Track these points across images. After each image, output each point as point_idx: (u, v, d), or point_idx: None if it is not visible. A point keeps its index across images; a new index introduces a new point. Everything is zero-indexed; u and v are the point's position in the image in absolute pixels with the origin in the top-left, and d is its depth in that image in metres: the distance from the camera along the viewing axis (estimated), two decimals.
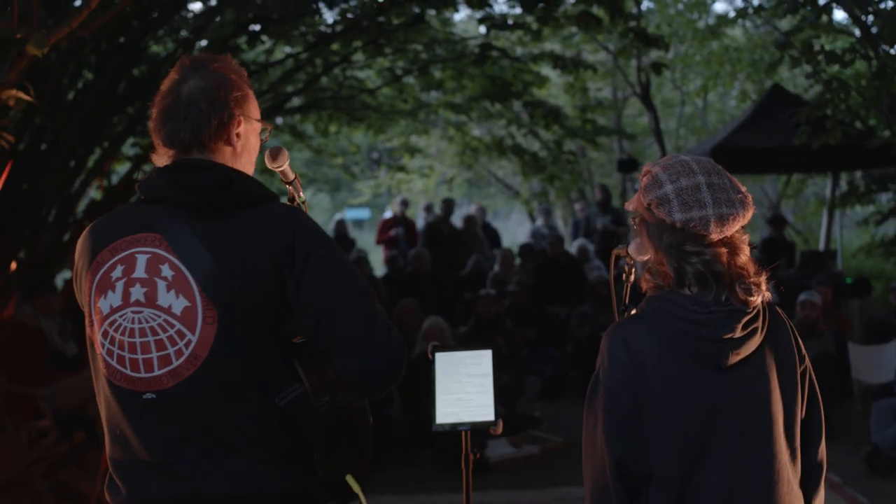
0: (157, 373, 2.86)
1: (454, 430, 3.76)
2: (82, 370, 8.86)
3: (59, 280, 12.88)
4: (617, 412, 2.95)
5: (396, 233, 18.94)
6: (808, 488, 3.13)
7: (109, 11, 5.87)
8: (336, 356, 2.92)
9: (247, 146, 3.10)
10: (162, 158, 3.05)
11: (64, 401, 8.60)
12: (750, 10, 16.29)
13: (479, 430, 3.82)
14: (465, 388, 3.76)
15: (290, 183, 3.38)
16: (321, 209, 43.32)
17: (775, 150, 15.79)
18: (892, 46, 10.80)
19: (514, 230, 42.73)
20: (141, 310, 2.88)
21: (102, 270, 2.95)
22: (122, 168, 14.52)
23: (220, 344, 2.85)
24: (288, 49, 15.70)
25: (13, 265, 9.96)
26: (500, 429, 3.72)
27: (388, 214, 21.32)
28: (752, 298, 2.92)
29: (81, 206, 12.73)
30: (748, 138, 16.46)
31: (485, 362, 3.81)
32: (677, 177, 2.95)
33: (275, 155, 3.30)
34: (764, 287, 2.98)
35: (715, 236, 2.92)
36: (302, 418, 2.93)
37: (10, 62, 5.46)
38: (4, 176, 6.52)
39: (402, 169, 26.23)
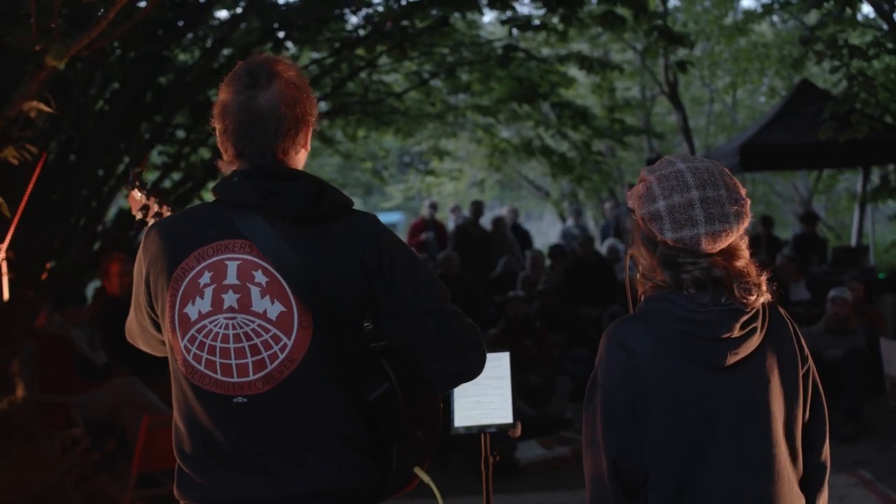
0: (251, 378, 2.92)
1: (471, 432, 3.76)
2: (112, 379, 8.90)
3: (89, 289, 12.94)
4: (614, 412, 2.94)
5: (427, 236, 18.93)
6: (812, 490, 3.09)
7: (129, 21, 5.88)
8: (427, 357, 3.07)
9: (306, 150, 3.17)
10: (233, 165, 3.08)
11: (94, 410, 8.64)
12: (776, 6, 16.22)
13: (502, 433, 3.82)
14: (483, 391, 3.76)
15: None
16: None
17: (805, 145, 15.72)
18: None
19: (547, 231, 42.64)
20: (234, 316, 2.92)
21: (189, 277, 2.98)
22: (150, 177, 14.59)
23: (315, 347, 2.92)
24: (314, 55, 15.73)
25: (44, 275, 10.04)
26: (518, 431, 3.71)
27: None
28: (751, 298, 2.90)
29: (110, 215, 12.81)
30: (778, 135, 16.40)
31: (503, 365, 3.81)
32: (670, 192, 2.92)
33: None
34: (764, 287, 2.96)
35: (708, 251, 2.91)
36: (387, 414, 3.00)
37: (31, 74, 5.49)
38: (30, 186, 6.55)
39: (431, 172, 26.26)
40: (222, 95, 3.06)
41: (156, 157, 14.49)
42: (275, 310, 2.91)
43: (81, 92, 9.56)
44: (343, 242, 2.98)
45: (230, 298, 2.93)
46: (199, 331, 2.95)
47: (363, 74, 16.30)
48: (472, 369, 3.16)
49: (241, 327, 2.92)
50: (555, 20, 13.45)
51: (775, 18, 23.47)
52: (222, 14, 13.26)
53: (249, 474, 2.94)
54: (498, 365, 3.80)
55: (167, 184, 13.29)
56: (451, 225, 21.38)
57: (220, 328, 2.93)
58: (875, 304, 13.90)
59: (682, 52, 19.71)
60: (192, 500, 3.02)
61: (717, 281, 2.90)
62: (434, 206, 19.85)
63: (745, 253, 2.97)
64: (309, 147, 3.15)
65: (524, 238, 19.46)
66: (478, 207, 18.78)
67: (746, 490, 2.91)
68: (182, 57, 13.82)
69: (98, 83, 11.35)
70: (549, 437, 10.31)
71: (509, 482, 9.24)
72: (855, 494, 8.38)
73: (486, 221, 19.48)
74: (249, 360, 2.91)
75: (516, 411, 3.76)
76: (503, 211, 22.25)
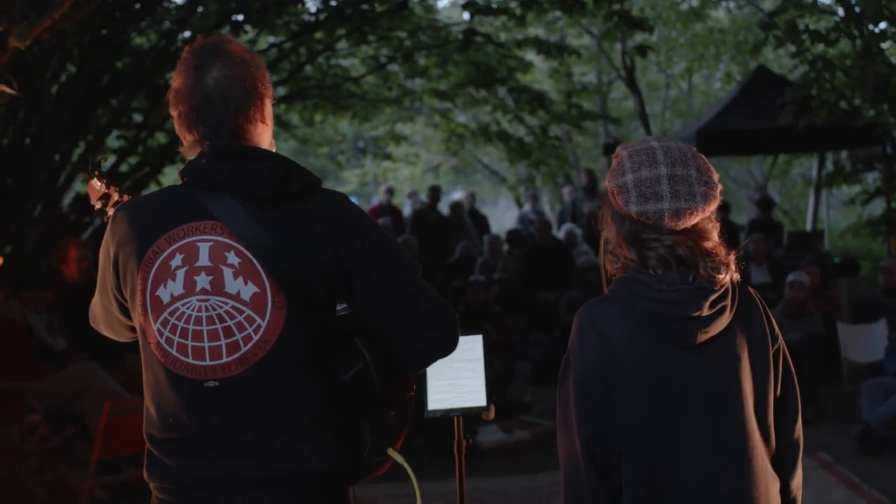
0: (224, 360, 2.88)
1: (446, 416, 3.75)
2: (71, 365, 8.83)
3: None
4: (586, 393, 2.94)
5: (383, 222, 18.92)
6: (786, 467, 3.10)
7: (91, 2, 5.82)
8: (399, 334, 3.04)
9: (267, 125, 3.12)
10: (195, 148, 3.04)
11: (53, 396, 8.56)
12: None
13: (470, 417, 3.81)
14: (456, 374, 3.75)
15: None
16: None
17: (761, 131, 15.83)
18: (876, 25, 10.80)
19: (502, 216, 42.69)
20: (207, 298, 2.89)
21: (160, 259, 2.94)
22: (107, 161, 14.46)
23: (289, 328, 2.89)
24: (272, 39, 15.65)
25: (0, 260, 9.92)
26: (492, 414, 3.72)
27: (374, 202, 21.29)
28: (719, 276, 2.90)
29: (67, 199, 12.70)
30: (733, 120, 16.48)
31: (476, 348, 3.80)
32: (639, 166, 2.93)
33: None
34: (732, 266, 2.97)
35: (671, 227, 2.92)
36: (360, 392, 2.98)
37: None
38: None
39: (387, 157, 26.22)
40: (174, 82, 3.04)
41: (113, 141, 14.37)
42: (248, 291, 2.89)
43: (40, 73, 9.44)
44: (313, 222, 2.95)
45: (203, 280, 2.90)
46: (171, 314, 2.92)
47: (321, 59, 16.24)
48: (446, 346, 3.14)
49: (215, 309, 2.89)
50: (514, 4, 13.45)
51: (731, 4, 23.58)
52: None
53: (220, 456, 2.91)
54: (471, 348, 3.79)
55: (124, 168, 13.19)
56: (407, 210, 21.38)
57: (192, 310, 2.90)
58: (830, 288, 14.02)
59: (639, 38, 19.76)
60: (161, 482, 2.98)
61: (681, 260, 2.91)
62: (390, 192, 19.83)
63: (714, 235, 2.98)
64: (270, 122, 3.12)
65: (481, 223, 19.47)
66: (435, 192, 18.79)
67: (721, 469, 2.91)
68: (139, 41, 13.71)
69: (54, 67, 11.23)
70: (509, 422, 10.32)
71: (471, 467, 9.20)
72: (815, 476, 8.43)
73: (442, 207, 19.46)
74: (223, 342, 2.88)
75: (490, 394, 3.75)
76: (458, 196, 22.26)
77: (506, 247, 16.93)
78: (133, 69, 12.00)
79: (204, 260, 2.91)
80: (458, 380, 3.75)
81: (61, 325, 9.27)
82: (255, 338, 2.88)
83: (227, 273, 2.90)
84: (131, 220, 3.02)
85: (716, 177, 2.98)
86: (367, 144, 36.35)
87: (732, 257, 2.97)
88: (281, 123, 19.90)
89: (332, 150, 27.52)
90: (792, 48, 10.13)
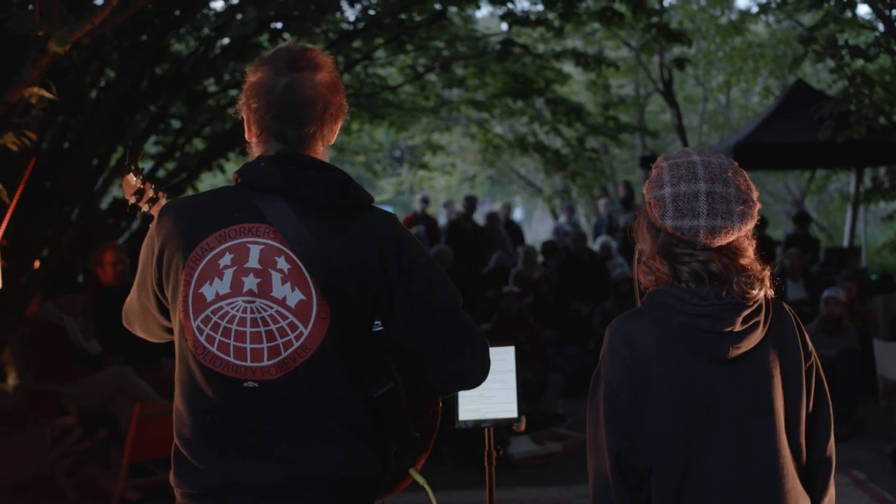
0: (265, 363, 2.91)
1: (477, 426, 3.75)
2: (105, 368, 8.87)
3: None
4: (616, 406, 2.94)
5: (418, 231, 18.93)
6: (817, 485, 3.08)
7: (131, 8, 5.85)
8: (434, 357, 3.06)
9: (332, 139, 3.16)
10: (261, 147, 3.08)
11: (87, 399, 8.61)
12: (773, 5, 16.21)
13: (501, 428, 3.80)
14: (487, 385, 3.74)
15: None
16: None
17: (799, 145, 15.77)
18: None
19: (537, 228, 42.67)
20: (253, 300, 2.92)
21: (209, 257, 2.96)
22: (144, 165, 14.52)
23: (330, 339, 2.92)
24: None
25: (37, 263, 9.99)
26: (522, 425, 3.70)
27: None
28: (752, 292, 2.89)
29: (104, 204, 12.77)
30: (771, 134, 16.42)
31: (507, 359, 3.79)
32: (678, 181, 2.93)
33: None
34: (767, 282, 2.96)
35: (706, 244, 2.90)
36: (391, 412, 3.00)
37: (33, 59, 5.46)
38: (27, 174, 6.52)
39: (424, 166, 26.23)
40: (259, 75, 3.05)
41: (150, 146, 14.45)
42: (294, 297, 2.91)
43: (77, 80, 9.50)
44: (363, 237, 2.98)
45: (250, 282, 2.93)
46: (214, 312, 2.94)
47: (358, 67, 16.26)
48: (478, 372, 3.15)
49: (259, 312, 2.91)
50: (552, 16, 13.43)
51: (771, 18, 23.48)
52: (218, 4, 13.21)
53: (253, 459, 2.92)
54: (503, 359, 3.79)
55: (161, 174, 13.25)
56: (442, 219, 21.37)
57: (237, 311, 2.93)
58: (867, 304, 13.93)
59: (678, 50, 19.70)
60: (190, 488, 2.98)
61: (714, 275, 2.90)
62: (425, 201, 19.83)
63: (750, 252, 2.97)
64: (330, 143, 3.15)
65: (516, 234, 19.46)
66: (471, 202, 18.79)
67: (750, 485, 2.90)
68: (177, 47, 13.77)
69: (93, 72, 11.30)
70: (541, 433, 10.30)
71: (502, 477, 9.23)
72: (848, 494, 8.37)
73: (478, 217, 19.45)
74: (265, 345, 2.90)
75: (521, 405, 3.75)
76: (494, 206, 22.24)
77: (540, 258, 16.90)
78: (171, 75, 12.05)
79: (254, 262, 2.94)
80: (489, 391, 3.75)
81: (97, 328, 9.31)
82: (296, 344, 2.90)
83: (276, 277, 2.93)
84: (180, 217, 3.04)
85: (755, 195, 2.96)
86: (404, 154, 36.39)
87: (767, 273, 2.95)
88: None
89: (368, 158, 27.54)
90: (831, 63, 10.07)
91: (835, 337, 11.05)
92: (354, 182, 3.06)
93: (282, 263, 2.93)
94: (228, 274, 2.94)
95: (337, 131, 3.13)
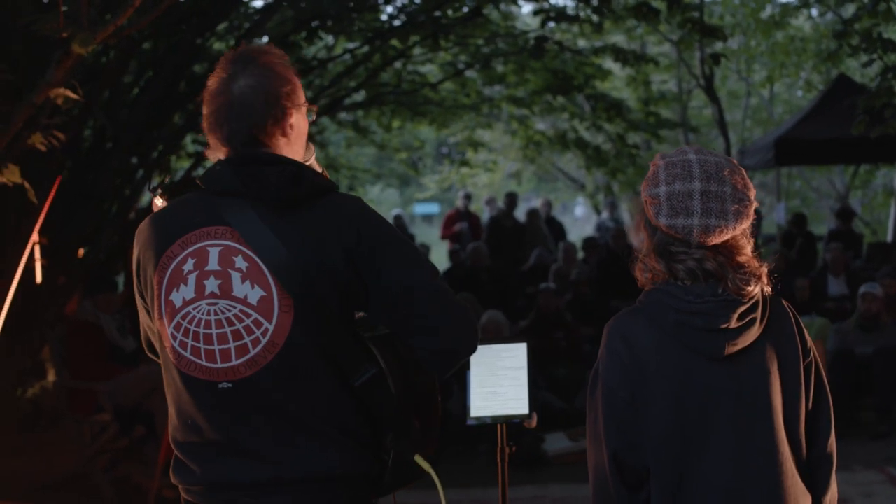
0: (234, 363, 2.94)
1: (488, 423, 3.77)
2: (141, 366, 8.95)
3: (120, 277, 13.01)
4: (614, 405, 2.95)
5: (461, 227, 18.96)
6: (818, 482, 3.07)
7: (157, 8, 5.89)
8: (415, 335, 3.04)
9: (299, 133, 3.17)
10: (219, 153, 3.12)
11: (123, 396, 8.69)
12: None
13: (538, 424, 3.83)
14: (499, 382, 3.76)
15: None
16: (390, 204, 43.31)
17: (841, 140, 15.63)
18: None
19: (583, 224, 42.61)
20: (216, 301, 2.96)
21: (174, 265, 3.02)
22: (183, 164, 14.66)
23: (297, 331, 2.93)
24: (349, 45, 15.73)
25: (80, 252, 10.08)
26: (534, 422, 3.71)
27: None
28: (747, 289, 2.90)
29: (143, 202, 12.87)
30: (814, 129, 16.33)
31: (520, 356, 3.80)
32: (673, 179, 2.94)
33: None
34: (765, 279, 2.96)
35: (701, 243, 2.90)
36: (376, 399, 2.99)
37: (57, 61, 5.52)
38: (59, 176, 6.60)
39: (465, 163, 26.25)
40: (208, 83, 3.11)
41: (189, 145, 14.54)
42: (255, 295, 2.94)
43: (113, 80, 9.58)
44: (321, 224, 2.99)
45: (212, 284, 2.97)
46: (183, 317, 2.98)
47: (397, 65, 16.29)
48: (464, 347, 3.14)
49: (223, 313, 2.95)
50: (588, 12, 13.39)
51: (814, 12, 23.32)
52: (257, 3, 13.27)
53: (239, 459, 2.96)
54: (515, 355, 3.80)
55: (200, 172, 13.30)
56: (485, 216, 21.37)
57: (202, 314, 2.96)
58: None
59: (719, 46, 19.59)
60: (188, 484, 3.05)
61: (710, 273, 2.91)
62: (468, 197, 19.88)
63: (747, 249, 2.97)
64: (296, 136, 3.15)
65: (558, 230, 19.44)
66: (512, 199, 18.80)
67: (749, 482, 2.91)
68: (217, 46, 13.84)
69: (132, 71, 11.39)
70: (576, 430, 10.28)
71: (537, 473, 9.27)
72: (883, 492, 8.33)
73: (520, 213, 19.43)
74: (231, 345, 2.94)
75: (532, 402, 3.75)
76: (538, 203, 22.22)
77: (581, 254, 16.88)
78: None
79: (213, 264, 2.98)
80: (500, 387, 3.76)
81: (132, 326, 9.40)
82: (264, 341, 2.92)
83: (236, 277, 2.95)
84: (151, 229, 3.11)
85: (752, 193, 2.97)
86: (450, 150, 36.42)
87: (765, 270, 2.96)
88: (358, 129, 20.00)
89: (412, 155, 27.58)
90: (864, 57, 9.99)
91: (873, 333, 10.94)
92: (308, 171, 3.07)
93: (240, 262, 2.95)
94: (192, 279, 2.98)
95: (299, 121, 3.13)
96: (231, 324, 2.94)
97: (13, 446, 8.46)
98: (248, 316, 2.93)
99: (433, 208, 48.13)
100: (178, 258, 3.01)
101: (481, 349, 3.77)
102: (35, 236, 6.39)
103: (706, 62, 21.16)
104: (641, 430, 2.93)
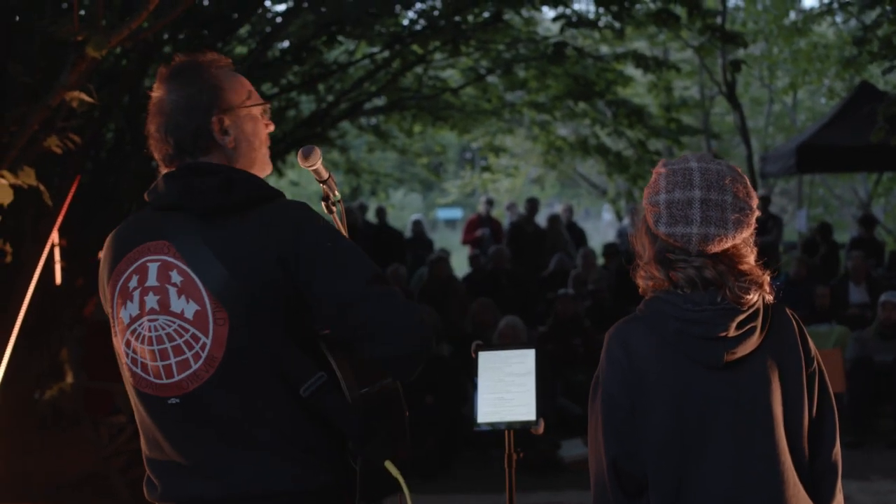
0: (177, 378, 2.92)
1: (494, 429, 3.77)
2: None
3: None
4: (613, 411, 2.96)
5: (482, 233, 18.97)
6: (823, 492, 3.05)
7: (173, 12, 5.91)
8: (363, 343, 2.98)
9: (241, 136, 3.10)
10: (162, 167, 3.12)
11: None
12: (835, 5, 16.03)
13: (552, 430, 3.81)
14: (506, 388, 3.75)
15: (324, 182, 3.43)
16: (412, 209, 43.23)
17: (864, 147, 15.59)
18: None
19: (605, 230, 42.49)
20: (156, 317, 2.94)
21: (121, 281, 3.02)
22: None
23: (234, 343, 2.89)
24: (370, 49, 15.74)
25: (99, 254, 10.10)
26: (541, 428, 3.70)
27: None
28: (747, 297, 2.89)
29: None
30: (836, 136, 16.29)
31: (528, 361, 3.78)
32: (674, 187, 2.94)
33: (307, 154, 3.34)
34: (766, 287, 2.94)
35: (700, 251, 2.90)
36: (328, 407, 2.95)
37: (72, 63, 5.54)
38: (77, 178, 6.62)
39: (487, 169, 26.22)
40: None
41: None
42: (191, 309, 2.92)
43: (133, 83, 9.61)
44: (256, 234, 2.95)
45: (151, 300, 2.96)
46: (132, 334, 2.98)
47: (418, 70, 16.29)
48: (416, 349, 2.99)
49: (164, 329, 2.93)
50: (608, 18, 13.38)
51: (837, 19, 23.23)
52: (279, 7, 13.27)
53: (192, 475, 2.96)
54: (522, 361, 3.78)
55: None
56: (507, 222, 21.37)
57: (146, 331, 2.95)
58: None
59: (742, 52, 19.53)
60: (154, 500, 3.06)
61: (709, 282, 2.90)
62: (490, 203, 19.86)
63: (749, 258, 2.96)
64: (240, 135, 3.10)
65: (579, 236, 19.43)
66: (533, 205, 18.80)
67: (749, 491, 2.89)
68: (239, 50, 13.86)
69: (152, 74, 11.42)
70: None
71: (553, 479, 9.25)
72: None
73: (541, 219, 19.41)
74: (173, 360, 2.92)
75: (540, 408, 3.75)
76: (559, 208, 22.19)
77: (601, 260, 16.85)
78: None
79: (152, 280, 2.97)
80: (507, 393, 3.75)
81: None
82: (203, 355, 2.90)
83: (172, 292, 2.94)
84: (109, 245, 3.13)
85: (754, 203, 2.96)
86: (474, 155, 36.42)
87: (767, 279, 2.95)
88: (379, 134, 20.01)
89: (434, 160, 27.56)
90: (887, 63, 9.96)
91: (892, 341, 10.90)
92: (240, 180, 3.02)
93: (175, 277, 2.94)
94: (136, 295, 2.98)
95: (238, 124, 3.08)
96: (171, 339, 2.92)
97: (31, 447, 8.49)
98: (186, 331, 2.91)
99: (456, 213, 48.06)
100: (125, 274, 3.01)
101: (490, 355, 3.78)
102: (55, 237, 6.41)
103: (727, 69, 21.14)
104: (641, 437, 2.92)
